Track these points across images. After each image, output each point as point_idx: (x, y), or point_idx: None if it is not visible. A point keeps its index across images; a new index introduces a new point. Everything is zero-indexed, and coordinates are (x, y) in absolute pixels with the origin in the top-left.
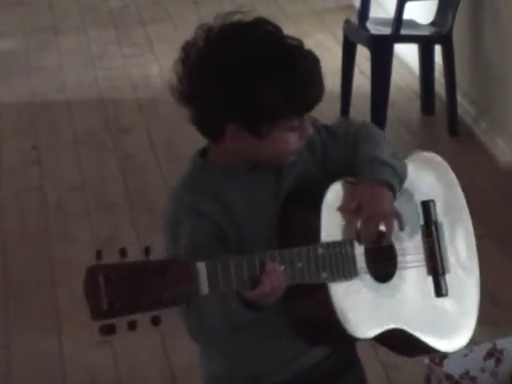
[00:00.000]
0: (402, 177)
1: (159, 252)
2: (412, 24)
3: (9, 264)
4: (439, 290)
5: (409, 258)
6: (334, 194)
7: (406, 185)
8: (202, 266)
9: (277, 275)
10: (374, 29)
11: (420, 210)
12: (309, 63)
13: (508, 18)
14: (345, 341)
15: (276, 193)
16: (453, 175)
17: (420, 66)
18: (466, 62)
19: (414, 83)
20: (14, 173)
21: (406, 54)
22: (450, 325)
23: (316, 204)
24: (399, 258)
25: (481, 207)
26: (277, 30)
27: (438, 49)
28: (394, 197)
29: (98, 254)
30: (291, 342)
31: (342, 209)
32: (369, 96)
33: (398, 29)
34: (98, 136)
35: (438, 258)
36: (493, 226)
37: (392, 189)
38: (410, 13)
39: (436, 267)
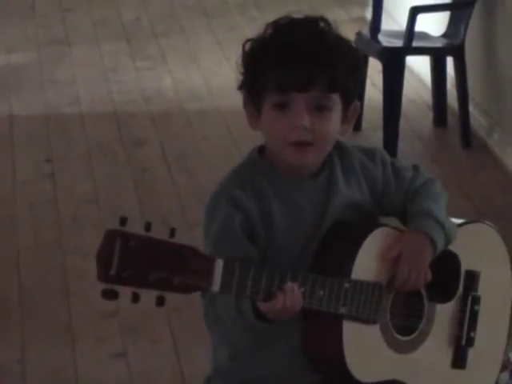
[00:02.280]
0: (449, 237)
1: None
2: (424, 36)
3: (23, 277)
4: (457, 362)
5: (436, 320)
6: (378, 236)
7: (456, 249)
8: (219, 264)
9: (293, 296)
10: (385, 41)
11: (462, 278)
12: (305, 45)
13: None
14: (344, 377)
15: (320, 213)
16: (505, 251)
17: (432, 77)
18: (479, 73)
19: (426, 95)
20: (27, 186)
21: (418, 65)
22: None
23: (358, 240)
24: (426, 318)
25: (494, 219)
26: (327, 25)
27: (450, 60)
28: (434, 254)
29: (122, 221)
30: (294, 358)
31: (383, 255)
32: (381, 108)
33: (410, 41)
34: (112, 149)
35: (465, 330)
36: (506, 238)
37: (434, 246)
38: (422, 25)
39: (460, 339)
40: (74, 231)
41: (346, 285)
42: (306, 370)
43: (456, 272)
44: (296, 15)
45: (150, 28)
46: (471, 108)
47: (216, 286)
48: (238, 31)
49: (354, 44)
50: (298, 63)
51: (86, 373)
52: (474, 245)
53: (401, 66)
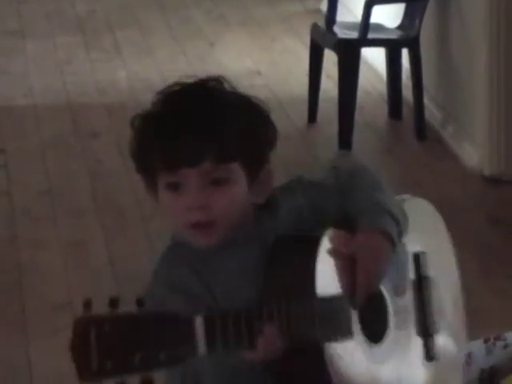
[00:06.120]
0: (402, 229)
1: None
2: (379, 28)
3: None
4: (429, 353)
5: (400, 316)
6: (329, 240)
7: None
8: (199, 321)
9: (273, 338)
10: (341, 33)
11: (411, 262)
12: (189, 115)
13: (475, 23)
14: None
15: (260, 265)
16: (441, 222)
17: (387, 70)
18: (433, 66)
19: (382, 87)
20: None
21: (374, 57)
22: None
23: (311, 252)
24: (391, 317)
25: (449, 211)
26: (219, 85)
27: (405, 53)
28: (393, 247)
29: (87, 304)
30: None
31: (334, 252)
32: (336, 100)
33: (365, 33)
34: (66, 141)
35: (429, 317)
36: (461, 230)
37: (393, 242)
38: (378, 16)
39: (426, 328)
40: (27, 223)
41: (316, 303)
42: None
43: (403, 257)
44: (187, 79)
45: (104, 20)
46: (426, 100)
47: (202, 347)
48: (193, 24)
49: (256, 100)
50: (181, 135)
51: (40, 366)
52: (413, 224)
53: (356, 57)
